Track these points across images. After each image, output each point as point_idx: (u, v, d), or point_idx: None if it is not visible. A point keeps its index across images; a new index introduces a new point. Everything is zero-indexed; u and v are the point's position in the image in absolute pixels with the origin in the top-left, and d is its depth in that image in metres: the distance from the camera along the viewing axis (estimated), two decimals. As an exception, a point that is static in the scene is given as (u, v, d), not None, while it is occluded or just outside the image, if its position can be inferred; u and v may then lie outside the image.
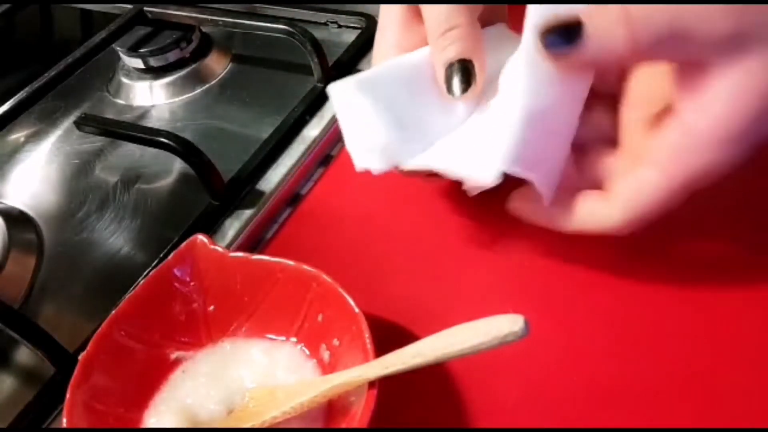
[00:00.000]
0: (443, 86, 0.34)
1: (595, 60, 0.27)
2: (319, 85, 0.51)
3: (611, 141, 0.33)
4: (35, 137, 0.55)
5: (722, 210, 0.37)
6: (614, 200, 0.30)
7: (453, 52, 0.33)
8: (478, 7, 0.35)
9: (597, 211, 0.31)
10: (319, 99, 0.50)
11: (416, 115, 0.34)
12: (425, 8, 0.34)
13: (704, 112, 0.27)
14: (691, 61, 0.27)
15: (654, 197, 0.29)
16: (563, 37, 0.27)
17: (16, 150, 0.54)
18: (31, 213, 0.48)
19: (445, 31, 0.33)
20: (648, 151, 0.29)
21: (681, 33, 0.25)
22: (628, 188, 0.30)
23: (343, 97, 0.35)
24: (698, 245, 0.36)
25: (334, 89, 0.35)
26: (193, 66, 0.57)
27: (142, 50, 0.56)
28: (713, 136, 0.27)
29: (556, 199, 0.32)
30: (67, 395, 0.30)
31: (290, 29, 0.51)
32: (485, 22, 0.36)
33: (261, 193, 0.44)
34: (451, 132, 0.34)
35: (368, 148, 0.34)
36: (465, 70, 0.33)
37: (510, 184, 0.33)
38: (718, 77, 0.26)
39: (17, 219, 0.47)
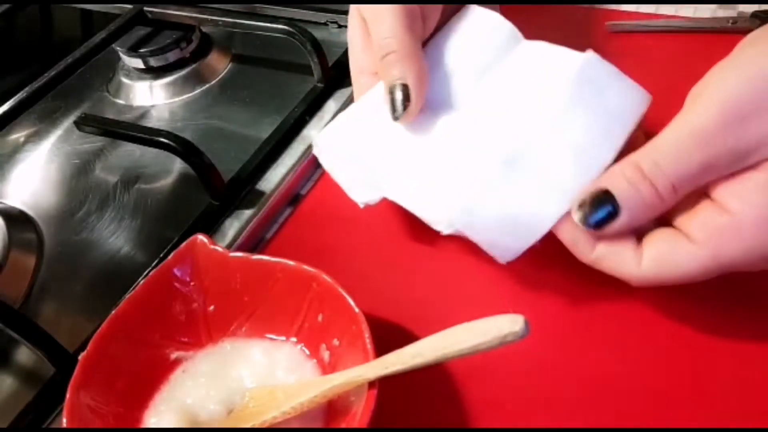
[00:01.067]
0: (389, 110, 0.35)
1: (635, 221, 0.29)
2: (319, 85, 0.51)
3: None
4: (35, 137, 0.55)
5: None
6: (646, 253, 0.29)
7: (391, 76, 0.34)
8: (424, 23, 0.36)
9: (623, 256, 0.29)
10: (319, 99, 0.50)
11: (397, 145, 0.35)
12: (372, 31, 0.36)
13: (744, 200, 0.27)
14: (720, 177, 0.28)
15: (685, 268, 0.28)
16: (602, 212, 0.28)
17: (16, 150, 0.54)
18: (31, 213, 0.48)
19: (383, 56, 0.35)
20: (690, 227, 0.28)
21: (694, 171, 0.27)
22: (662, 249, 0.29)
23: (327, 147, 0.37)
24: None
25: (317, 145, 0.37)
26: (193, 66, 0.57)
27: (142, 50, 0.56)
28: (753, 222, 0.27)
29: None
30: (67, 395, 0.30)
31: (290, 29, 0.51)
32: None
33: (261, 193, 0.44)
34: (428, 159, 0.35)
35: (362, 184, 0.36)
36: (400, 95, 0.34)
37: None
38: (754, 171, 0.27)
39: (17, 219, 0.47)
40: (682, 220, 0.29)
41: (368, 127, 0.36)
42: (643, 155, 0.28)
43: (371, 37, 0.36)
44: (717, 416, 0.29)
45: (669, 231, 0.29)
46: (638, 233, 0.30)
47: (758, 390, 0.30)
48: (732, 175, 0.27)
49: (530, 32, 0.38)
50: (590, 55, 0.31)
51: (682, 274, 0.28)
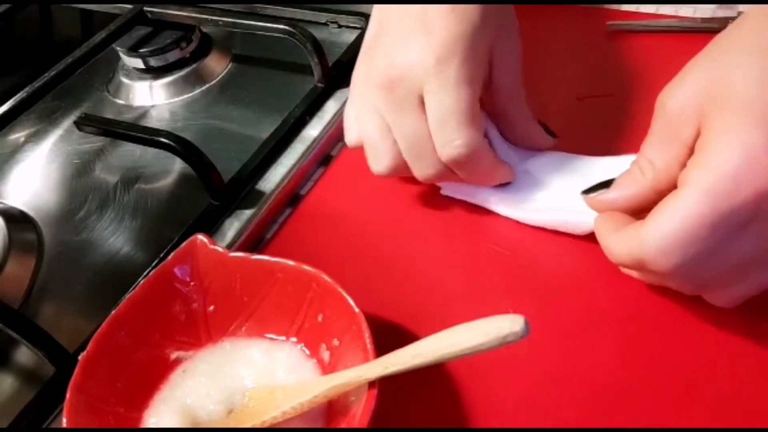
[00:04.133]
0: (538, 129, 0.39)
1: (624, 194, 0.32)
2: (319, 85, 0.51)
3: None
4: (35, 137, 0.55)
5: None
6: (645, 224, 0.28)
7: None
8: None
9: (628, 238, 0.29)
10: (319, 99, 0.50)
11: None
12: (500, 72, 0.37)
13: (727, 136, 0.27)
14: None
15: (687, 215, 0.27)
16: (597, 188, 0.34)
17: (16, 150, 0.54)
18: (31, 213, 0.48)
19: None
20: (682, 178, 0.28)
21: (658, 138, 0.31)
22: (659, 211, 0.28)
23: None
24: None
25: None
26: (193, 66, 0.57)
27: (142, 50, 0.56)
28: (740, 155, 0.26)
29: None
30: (67, 395, 0.30)
31: (290, 29, 0.51)
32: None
33: (261, 193, 0.44)
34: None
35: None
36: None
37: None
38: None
39: (17, 219, 0.47)
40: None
41: None
42: None
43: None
44: (718, 416, 0.29)
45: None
46: None
47: (761, 390, 0.30)
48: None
49: (531, 32, 0.38)
50: None
51: (685, 224, 0.27)
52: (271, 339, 0.35)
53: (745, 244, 0.27)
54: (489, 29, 0.35)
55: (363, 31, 0.56)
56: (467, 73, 0.34)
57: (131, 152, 0.51)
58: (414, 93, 0.35)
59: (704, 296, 0.31)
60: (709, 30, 0.49)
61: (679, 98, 0.29)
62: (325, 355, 0.33)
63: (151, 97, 0.56)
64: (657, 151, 0.30)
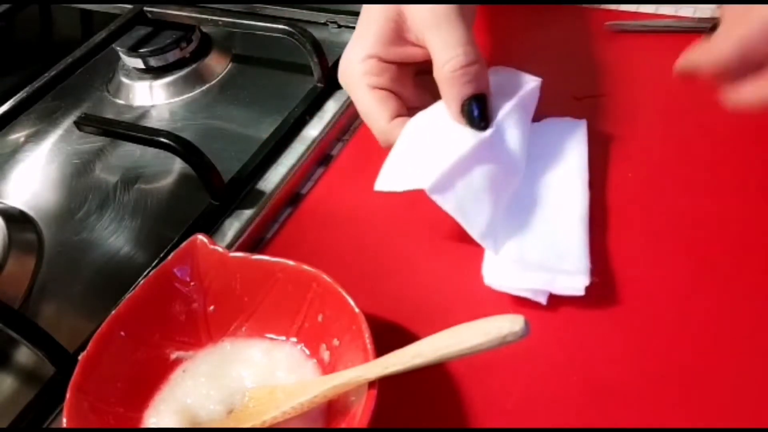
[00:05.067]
0: (462, 119, 0.36)
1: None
2: (319, 85, 0.51)
3: None
4: (35, 137, 0.55)
5: (726, 210, 0.37)
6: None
7: (472, 88, 0.35)
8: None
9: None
10: (319, 99, 0.50)
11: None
12: (431, 37, 0.36)
13: None
14: None
15: None
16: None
17: (16, 150, 0.54)
18: (31, 213, 0.48)
19: (465, 66, 0.35)
20: None
21: None
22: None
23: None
24: (701, 245, 0.36)
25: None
26: (193, 66, 0.57)
27: (142, 50, 0.56)
28: None
29: None
30: (67, 395, 0.30)
31: (290, 29, 0.51)
32: None
33: (261, 193, 0.44)
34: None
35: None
36: (484, 105, 0.35)
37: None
38: None
39: (17, 219, 0.47)
40: None
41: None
42: None
43: (437, 51, 0.36)
44: (718, 416, 0.29)
45: None
46: None
47: (758, 392, 0.30)
48: None
49: (531, 32, 0.38)
50: None
51: None
52: (271, 339, 0.35)
53: None
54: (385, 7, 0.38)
55: (363, 31, 0.56)
56: (360, 31, 0.40)
57: (131, 152, 0.51)
58: (350, 75, 0.41)
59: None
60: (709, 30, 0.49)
61: None
62: (325, 355, 0.33)
63: (151, 97, 0.56)
64: None
